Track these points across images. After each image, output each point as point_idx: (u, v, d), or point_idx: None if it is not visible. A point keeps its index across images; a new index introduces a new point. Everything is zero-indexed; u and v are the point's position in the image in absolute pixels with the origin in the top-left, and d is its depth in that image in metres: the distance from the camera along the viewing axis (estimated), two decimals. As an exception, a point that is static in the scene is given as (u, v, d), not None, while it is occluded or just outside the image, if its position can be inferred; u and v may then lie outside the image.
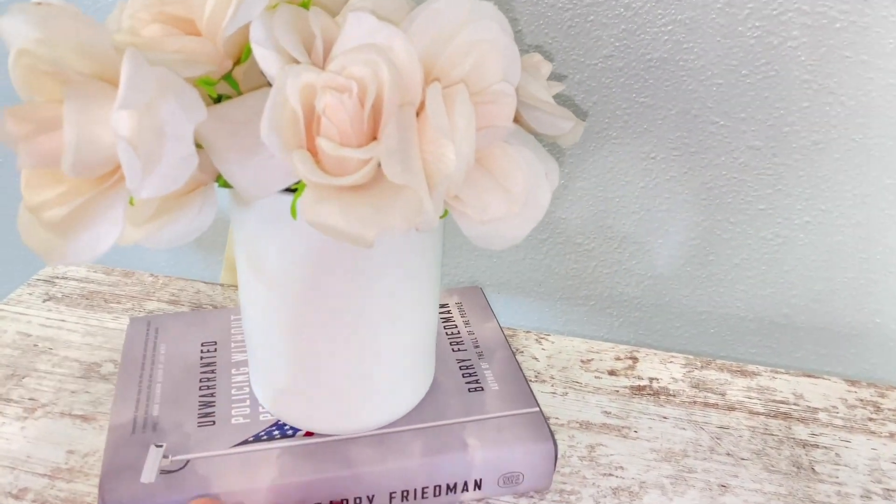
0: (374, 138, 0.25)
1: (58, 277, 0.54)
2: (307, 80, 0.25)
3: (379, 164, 0.26)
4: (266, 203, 0.31)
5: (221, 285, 0.54)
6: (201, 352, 0.43)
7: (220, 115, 0.26)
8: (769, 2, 0.52)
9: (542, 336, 0.51)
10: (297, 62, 0.26)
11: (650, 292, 0.64)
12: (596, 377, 0.48)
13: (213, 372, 0.41)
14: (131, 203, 0.26)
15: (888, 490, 0.41)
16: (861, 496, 0.40)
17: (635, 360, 0.49)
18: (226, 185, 0.29)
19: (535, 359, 0.49)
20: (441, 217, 0.28)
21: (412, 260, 0.33)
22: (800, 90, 0.54)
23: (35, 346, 0.48)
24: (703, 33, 0.53)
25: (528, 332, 0.52)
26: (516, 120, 0.33)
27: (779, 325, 0.64)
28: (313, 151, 0.26)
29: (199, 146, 0.28)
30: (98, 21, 0.40)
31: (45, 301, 0.52)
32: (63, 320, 0.50)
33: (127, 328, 0.45)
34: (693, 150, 0.58)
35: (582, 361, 0.49)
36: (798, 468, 0.42)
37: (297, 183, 0.27)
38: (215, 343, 0.43)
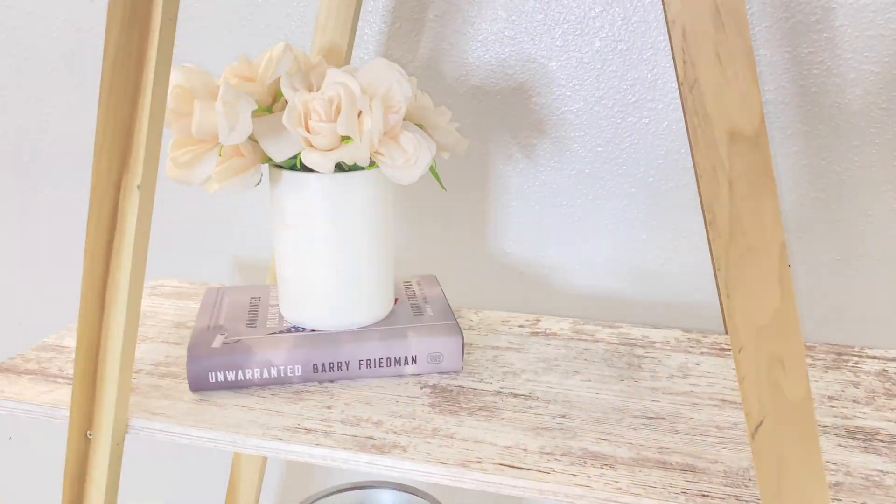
0: (336, 121, 0.53)
1: (160, 285, 0.82)
2: (305, 97, 0.53)
3: (339, 136, 0.53)
4: (289, 177, 0.58)
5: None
6: (250, 300, 0.68)
7: (265, 120, 0.54)
8: (626, 94, 0.79)
9: (478, 310, 0.75)
10: (299, 91, 0.54)
11: (575, 307, 0.88)
12: (509, 328, 0.71)
13: (257, 308, 0.67)
14: (220, 154, 0.53)
15: (687, 374, 0.62)
16: (667, 377, 0.62)
17: (539, 320, 0.73)
18: (268, 160, 0.57)
19: (470, 320, 0.73)
20: (369, 168, 0.55)
21: (371, 213, 0.59)
22: (654, 152, 0.80)
23: (146, 314, 0.74)
24: (587, 118, 0.81)
25: (469, 308, 0.76)
26: (427, 134, 0.60)
27: (670, 327, 0.86)
28: (308, 130, 0.53)
29: (254, 140, 0.55)
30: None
31: (150, 296, 0.79)
32: (161, 304, 0.77)
33: (205, 292, 0.71)
34: (590, 198, 0.84)
35: (502, 321, 0.73)
36: (630, 366, 0.64)
37: (297, 153, 0.55)
38: (259, 297, 0.69)
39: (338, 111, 0.52)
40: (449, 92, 0.83)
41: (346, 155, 0.51)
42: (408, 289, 0.71)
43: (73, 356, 0.65)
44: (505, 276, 0.88)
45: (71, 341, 0.68)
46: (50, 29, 0.92)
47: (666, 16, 0.38)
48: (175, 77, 0.53)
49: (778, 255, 0.40)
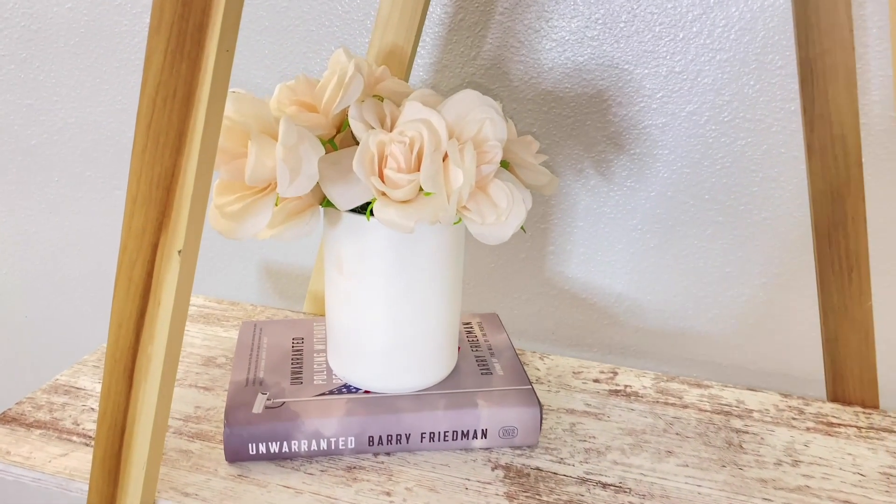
0: (418, 170, 0.43)
1: (183, 303, 0.73)
2: (380, 138, 0.44)
3: (419, 186, 0.43)
4: (348, 219, 0.48)
5: (304, 313, 0.72)
6: (292, 343, 0.60)
7: (329, 159, 0.45)
8: (721, 111, 0.69)
9: (545, 355, 0.67)
10: (374, 128, 0.44)
11: (641, 341, 0.79)
12: (583, 383, 0.63)
13: (300, 355, 0.58)
14: (276, 204, 0.44)
15: (796, 461, 0.54)
16: (774, 464, 0.54)
17: (615, 373, 0.64)
18: (327, 204, 0.47)
19: (538, 369, 0.64)
20: (455, 223, 0.46)
21: (441, 262, 0.50)
22: (749, 177, 0.71)
23: (169, 344, 0.65)
24: (674, 134, 0.71)
25: (533, 352, 0.67)
26: (512, 173, 0.51)
27: (748, 370, 0.77)
28: (381, 178, 0.44)
29: (312, 179, 0.46)
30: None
31: (174, 319, 0.70)
32: (188, 330, 0.68)
33: (240, 328, 0.62)
34: (670, 224, 0.74)
35: (573, 372, 0.64)
36: (729, 444, 0.56)
37: (366, 203, 0.45)
38: (302, 338, 0.60)
39: (419, 158, 0.43)
40: (515, 96, 0.73)
41: (429, 214, 0.42)
42: (469, 333, 0.62)
43: (88, 402, 0.57)
44: (565, 302, 0.79)
45: (86, 381, 0.60)
46: None
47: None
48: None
49: None
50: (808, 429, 0.58)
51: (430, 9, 0.72)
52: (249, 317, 0.71)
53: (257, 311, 0.72)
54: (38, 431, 0.54)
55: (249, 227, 0.43)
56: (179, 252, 0.39)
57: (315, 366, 0.57)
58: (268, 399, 0.53)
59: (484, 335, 0.62)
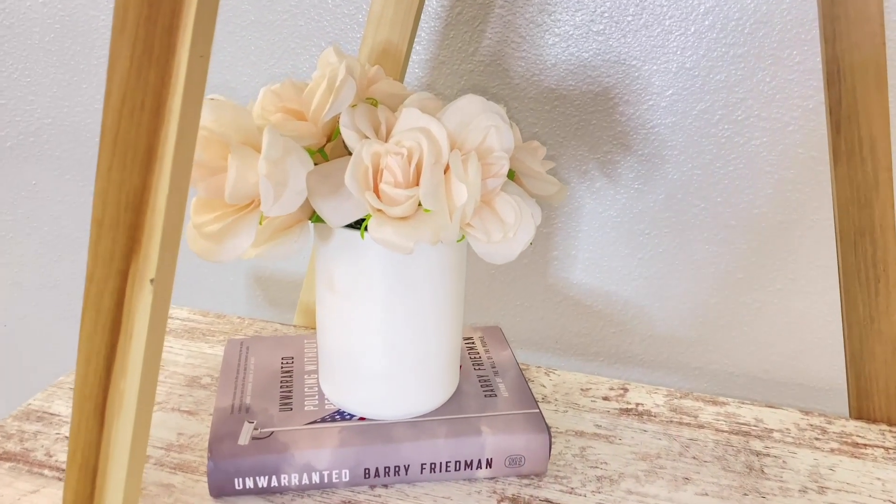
0: (416, 184, 0.39)
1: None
2: (375, 148, 0.39)
3: (418, 202, 0.39)
4: (341, 235, 0.45)
5: (294, 326, 0.68)
6: (281, 363, 0.56)
7: (318, 172, 0.41)
8: (735, 109, 0.66)
9: (550, 370, 0.63)
10: (368, 138, 0.40)
11: (650, 350, 0.75)
12: (592, 401, 0.59)
13: (290, 377, 0.54)
14: (260, 223, 0.40)
15: (822, 487, 0.50)
16: (799, 490, 0.50)
17: (626, 390, 0.61)
18: (317, 220, 0.43)
19: (543, 386, 0.61)
20: (458, 241, 0.42)
21: (441, 281, 0.46)
22: (764, 179, 0.67)
23: (151, 363, 0.61)
24: (684, 134, 0.67)
25: (538, 367, 0.64)
26: (518, 183, 0.47)
27: (761, 380, 0.74)
28: (377, 193, 0.40)
29: (300, 193, 0.42)
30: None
31: (156, 334, 0.66)
32: (171, 347, 0.64)
33: (225, 346, 0.58)
34: (679, 228, 0.70)
35: (581, 390, 0.60)
36: (750, 469, 0.52)
37: (360, 219, 0.41)
38: (292, 358, 0.57)
39: (418, 171, 0.39)
40: (516, 94, 0.69)
41: (430, 233, 0.38)
42: (470, 349, 0.59)
43: (63, 430, 0.53)
44: (569, 310, 0.76)
45: (61, 406, 0.56)
46: (36, -6, 0.77)
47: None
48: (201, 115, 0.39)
49: None
50: (832, 450, 0.54)
51: (426, 3, 0.68)
52: (236, 331, 0.67)
53: (245, 325, 0.68)
54: (8, 464, 0.50)
55: (231, 248, 0.39)
56: (152, 281, 0.35)
57: (306, 389, 0.53)
58: (255, 428, 0.49)
59: (486, 351, 0.58)
